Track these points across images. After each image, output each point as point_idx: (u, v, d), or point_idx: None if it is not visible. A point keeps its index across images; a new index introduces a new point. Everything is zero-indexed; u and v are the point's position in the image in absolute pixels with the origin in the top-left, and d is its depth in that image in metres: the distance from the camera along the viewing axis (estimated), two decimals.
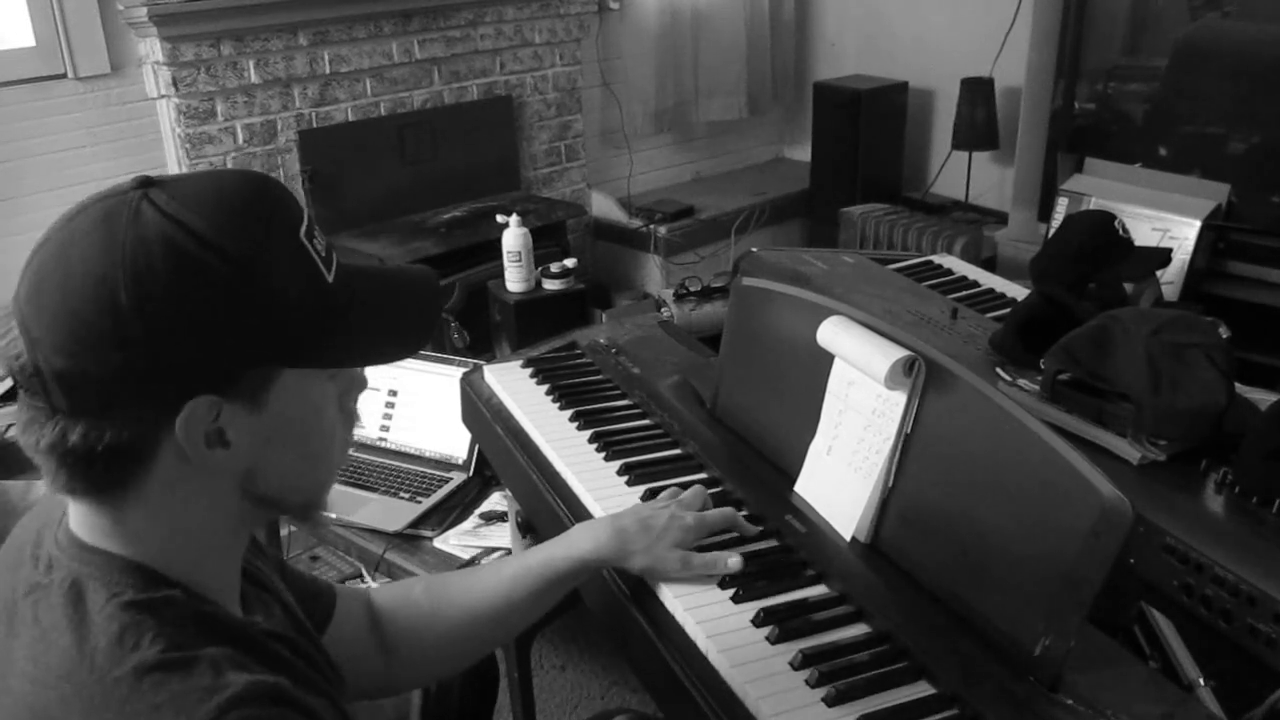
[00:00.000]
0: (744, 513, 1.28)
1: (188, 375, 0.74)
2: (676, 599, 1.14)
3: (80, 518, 0.80)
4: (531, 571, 1.16)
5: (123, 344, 0.71)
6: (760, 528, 1.25)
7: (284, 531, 2.33)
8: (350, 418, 0.87)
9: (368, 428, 2.22)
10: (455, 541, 1.93)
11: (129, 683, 0.71)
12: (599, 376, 1.66)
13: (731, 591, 1.14)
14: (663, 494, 1.27)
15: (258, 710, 0.71)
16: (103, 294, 0.71)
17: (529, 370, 1.68)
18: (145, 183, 0.76)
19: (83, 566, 0.77)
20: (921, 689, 1.01)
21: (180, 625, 0.75)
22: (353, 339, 0.81)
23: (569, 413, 1.53)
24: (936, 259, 2.15)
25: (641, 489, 1.34)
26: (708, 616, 1.11)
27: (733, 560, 1.17)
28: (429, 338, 0.93)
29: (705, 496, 1.24)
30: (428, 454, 2.19)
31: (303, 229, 0.79)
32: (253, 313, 0.74)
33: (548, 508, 1.38)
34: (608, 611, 1.24)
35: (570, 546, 1.17)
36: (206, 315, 0.73)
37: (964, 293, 1.97)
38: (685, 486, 1.27)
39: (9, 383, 2.91)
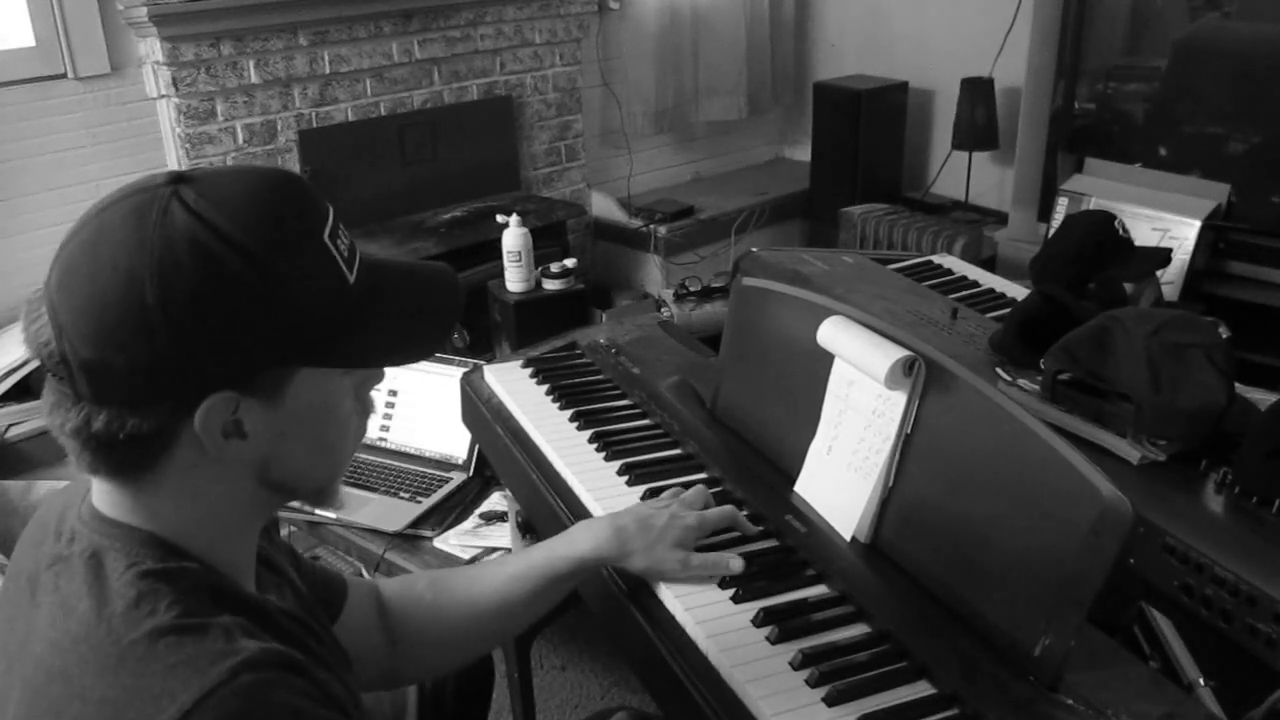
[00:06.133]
0: (744, 513, 1.28)
1: (209, 372, 0.76)
2: (676, 599, 1.14)
3: (102, 494, 0.82)
4: (533, 569, 1.17)
5: (147, 339, 0.73)
6: (760, 527, 1.25)
7: (284, 531, 2.33)
8: (366, 407, 0.90)
9: (368, 428, 2.21)
10: (455, 541, 1.93)
11: (145, 645, 0.73)
12: (599, 376, 1.66)
13: (731, 591, 1.14)
14: (665, 494, 1.27)
15: (269, 675, 0.73)
16: (130, 290, 0.73)
17: (529, 370, 1.68)
18: (177, 179, 0.77)
19: (103, 539, 0.80)
20: (921, 689, 1.01)
21: (196, 594, 0.77)
22: (372, 341, 0.83)
23: (569, 413, 1.53)
24: (936, 259, 2.15)
25: (641, 489, 1.34)
26: (708, 616, 1.11)
27: (735, 562, 1.17)
28: (447, 341, 0.94)
29: (707, 496, 1.24)
30: (428, 454, 2.19)
31: (327, 230, 0.81)
32: (274, 314, 0.76)
33: (548, 508, 1.38)
34: (607, 610, 1.24)
35: (570, 545, 1.18)
36: (229, 315, 0.75)
37: (964, 293, 1.97)
38: (686, 486, 1.27)
39: (8, 383, 2.88)
